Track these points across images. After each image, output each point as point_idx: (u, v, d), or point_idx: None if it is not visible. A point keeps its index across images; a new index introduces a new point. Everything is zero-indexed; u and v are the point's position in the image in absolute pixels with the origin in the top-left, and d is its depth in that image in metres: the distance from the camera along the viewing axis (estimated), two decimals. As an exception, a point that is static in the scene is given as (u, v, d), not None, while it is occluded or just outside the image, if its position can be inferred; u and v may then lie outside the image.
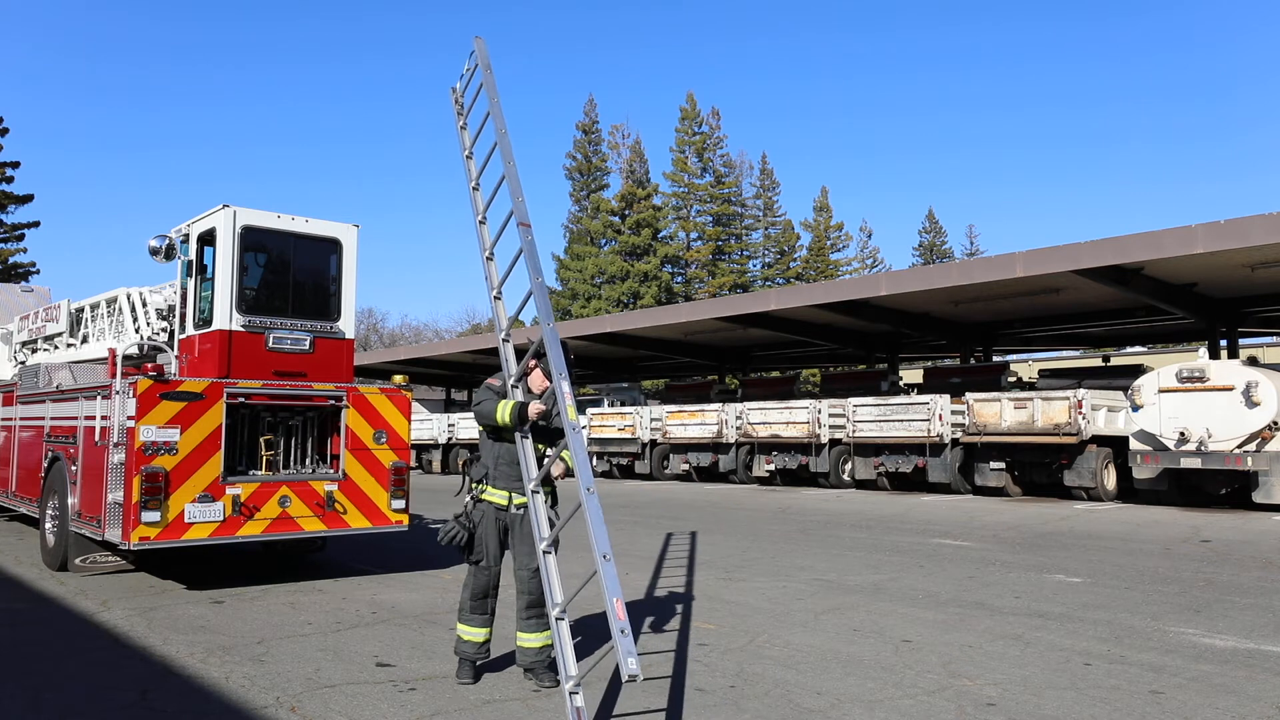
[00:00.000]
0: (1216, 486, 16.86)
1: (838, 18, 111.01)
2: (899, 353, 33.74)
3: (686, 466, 25.61)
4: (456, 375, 46.56)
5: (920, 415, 20.19)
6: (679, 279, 66.66)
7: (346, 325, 9.82)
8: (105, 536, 8.49)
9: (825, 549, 11.84)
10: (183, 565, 9.78)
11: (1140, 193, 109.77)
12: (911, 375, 32.02)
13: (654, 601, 8.31)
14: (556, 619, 4.87)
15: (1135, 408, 17.04)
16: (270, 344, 9.21)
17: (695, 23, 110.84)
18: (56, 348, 13.43)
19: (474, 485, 5.71)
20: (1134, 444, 17.14)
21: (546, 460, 5.48)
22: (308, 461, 9.41)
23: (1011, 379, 22.91)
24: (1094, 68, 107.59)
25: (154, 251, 9.52)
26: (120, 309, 11.32)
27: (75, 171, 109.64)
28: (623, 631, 4.13)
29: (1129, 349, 40.77)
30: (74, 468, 9.47)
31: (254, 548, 10.62)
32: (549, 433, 5.64)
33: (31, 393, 11.45)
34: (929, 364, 39.05)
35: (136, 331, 10.73)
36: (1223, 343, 24.84)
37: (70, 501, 9.37)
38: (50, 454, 10.32)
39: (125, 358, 9.25)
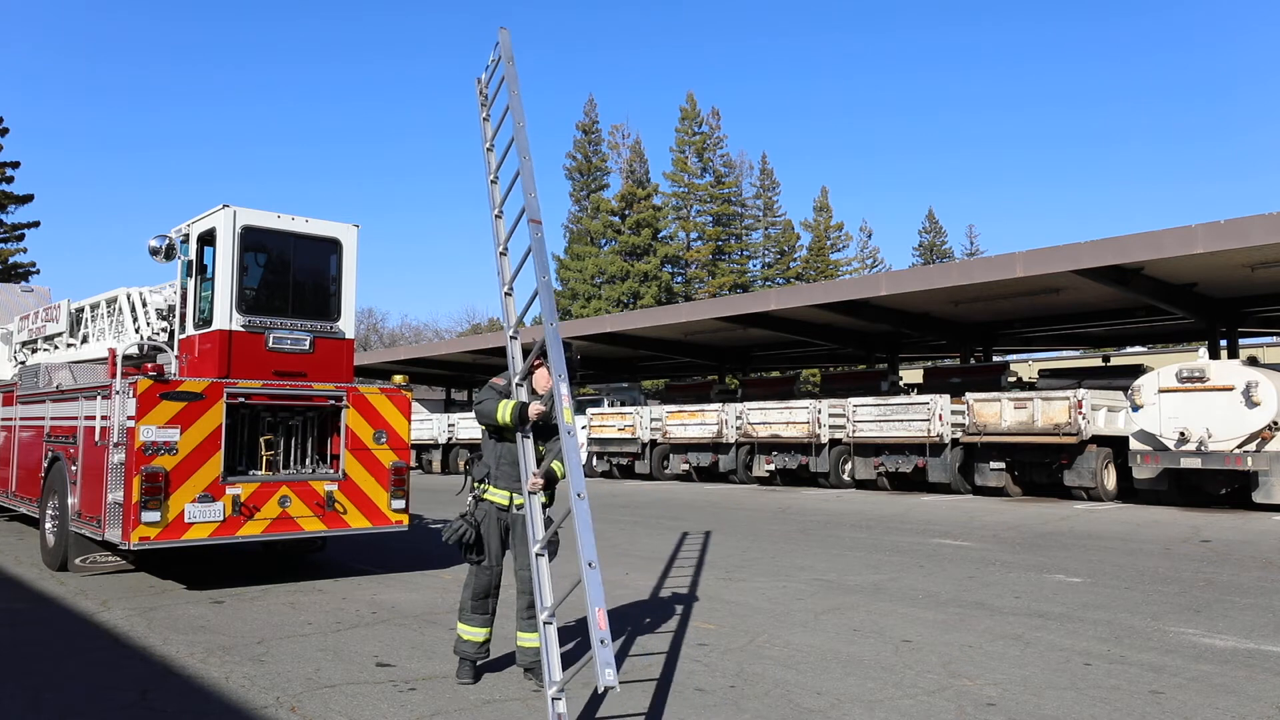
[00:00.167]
0: (1216, 486, 16.86)
1: (838, 18, 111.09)
2: (899, 353, 33.74)
3: (686, 466, 25.61)
4: (456, 375, 46.56)
5: (920, 415, 20.19)
6: (679, 279, 66.67)
7: (346, 325, 9.82)
8: (105, 536, 8.49)
9: (825, 549, 11.84)
10: (183, 565, 9.78)
11: (1140, 193, 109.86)
12: (911, 375, 32.02)
13: (653, 602, 8.32)
14: (544, 623, 4.87)
15: (1135, 408, 17.03)
16: (270, 344, 9.21)
17: (695, 23, 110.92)
18: (56, 348, 13.43)
19: (476, 485, 5.71)
20: (1134, 444, 17.13)
21: (546, 460, 5.47)
22: (308, 461, 9.41)
23: (1011, 379, 22.90)
24: (1094, 68, 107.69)
25: (154, 251, 9.52)
26: (120, 309, 11.32)
27: (75, 171, 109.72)
28: (602, 642, 4.14)
29: (1129, 349, 40.77)
30: (74, 468, 9.47)
31: (254, 548, 10.62)
32: (551, 432, 5.63)
33: (31, 393, 11.45)
34: (929, 364, 39.04)
35: (136, 331, 10.73)
36: (1223, 343, 24.83)
37: (70, 501, 9.37)
38: (50, 454, 10.32)
39: (125, 358, 9.26)
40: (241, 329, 9.05)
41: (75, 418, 9.68)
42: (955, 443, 19.87)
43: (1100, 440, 17.92)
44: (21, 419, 11.81)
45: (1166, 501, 17.10)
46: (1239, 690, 5.44)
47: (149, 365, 8.50)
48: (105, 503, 8.41)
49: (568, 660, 5.97)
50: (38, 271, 48.58)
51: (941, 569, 10.11)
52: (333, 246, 9.77)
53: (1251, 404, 15.72)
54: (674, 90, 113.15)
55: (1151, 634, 6.92)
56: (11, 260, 47.38)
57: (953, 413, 19.83)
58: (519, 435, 5.51)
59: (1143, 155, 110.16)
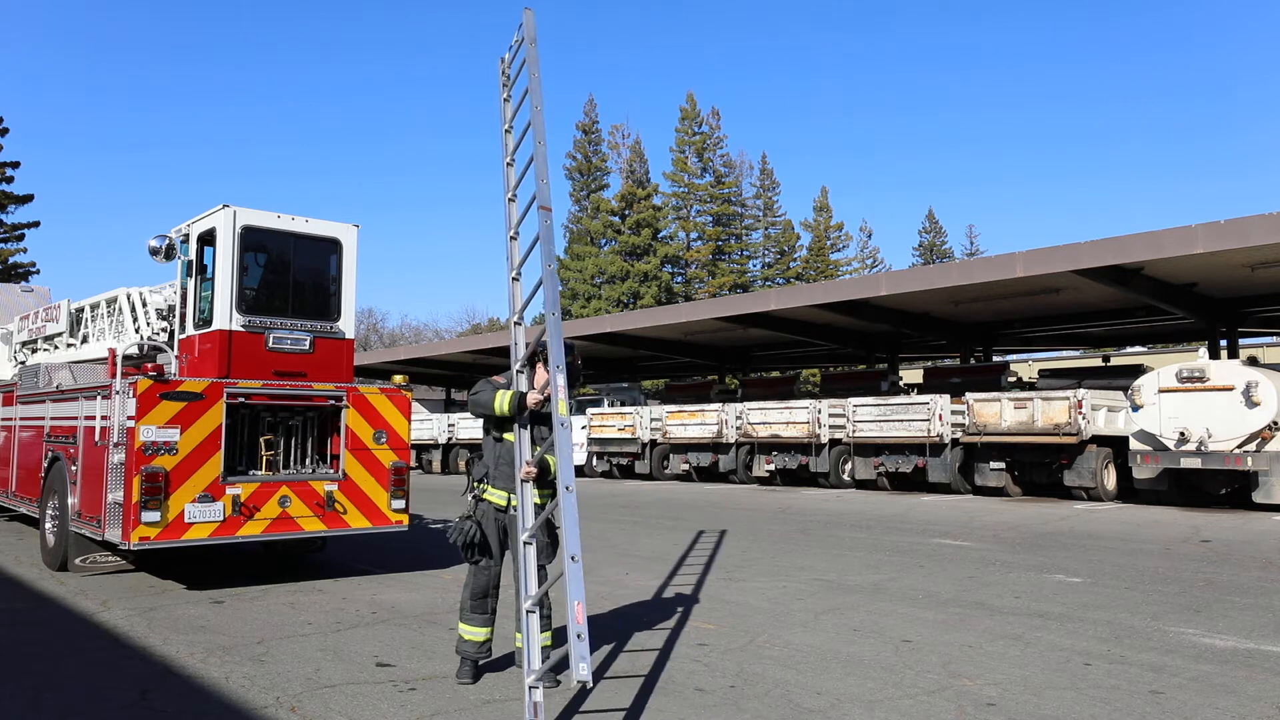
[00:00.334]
0: (1216, 486, 16.86)
1: (838, 18, 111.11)
2: (899, 353, 33.74)
3: (686, 466, 25.61)
4: (456, 375, 46.55)
5: (920, 415, 20.19)
6: (679, 279, 66.67)
7: (346, 325, 9.82)
8: (105, 536, 8.49)
9: (825, 549, 11.84)
10: (183, 565, 9.78)
11: (1140, 193, 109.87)
12: (911, 375, 32.01)
13: (653, 601, 8.31)
14: (527, 611, 4.87)
15: (1135, 408, 17.03)
16: (270, 344, 9.21)
17: (695, 23, 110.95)
18: (56, 348, 13.43)
19: (475, 485, 5.71)
20: (1134, 444, 17.13)
21: (540, 448, 5.42)
22: (308, 461, 9.41)
23: (1011, 379, 22.90)
24: (1094, 68, 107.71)
25: (154, 251, 9.52)
26: (120, 309, 11.32)
27: (75, 171, 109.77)
28: (579, 636, 4.15)
29: (1129, 349, 40.77)
30: (74, 468, 9.47)
31: (254, 548, 10.62)
32: (549, 420, 5.58)
33: (31, 393, 11.45)
34: (929, 364, 39.04)
35: (136, 331, 10.73)
36: (1223, 343, 24.83)
37: (70, 501, 9.37)
38: (50, 454, 10.32)
39: (125, 358, 9.25)
40: (241, 329, 9.05)
41: (75, 418, 9.68)
42: (955, 443, 19.87)
43: (1100, 440, 17.92)
44: (21, 419, 11.81)
45: (1166, 501, 17.09)
46: (1239, 690, 5.44)
47: (149, 365, 8.50)
48: (105, 503, 8.41)
49: (563, 661, 5.98)
50: (38, 271, 48.65)
51: (941, 569, 10.11)
52: (333, 246, 9.77)
53: (1251, 404, 15.72)
54: (674, 90, 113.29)
55: (1151, 634, 6.92)
56: (11, 260, 47.39)
57: (953, 413, 19.83)
58: (516, 426, 5.48)
59: (1143, 155, 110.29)
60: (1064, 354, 44.69)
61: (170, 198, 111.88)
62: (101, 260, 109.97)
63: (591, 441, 27.71)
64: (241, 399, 8.66)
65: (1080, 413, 17.54)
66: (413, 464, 25.58)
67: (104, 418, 8.77)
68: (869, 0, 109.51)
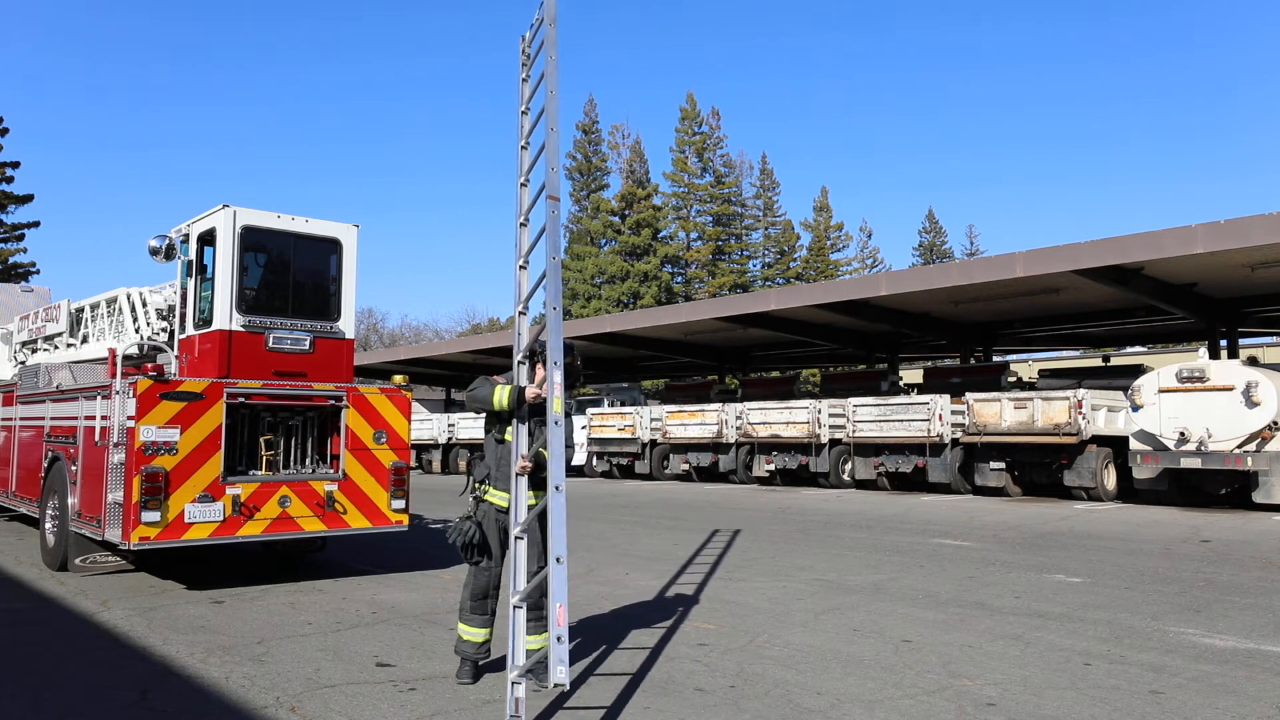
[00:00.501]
0: (1216, 486, 16.86)
1: (838, 18, 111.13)
2: (899, 353, 33.74)
3: (686, 466, 25.61)
4: (456, 375, 46.53)
5: (920, 415, 20.19)
6: (679, 279, 66.68)
7: (346, 325, 9.82)
8: (105, 536, 8.49)
9: (825, 549, 11.84)
10: (183, 565, 9.78)
11: (1140, 193, 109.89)
12: (911, 375, 32.01)
13: (652, 601, 8.31)
14: (514, 607, 4.86)
15: (1135, 408, 17.03)
16: (270, 344, 9.21)
17: (695, 23, 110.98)
18: (56, 348, 13.43)
19: (476, 485, 5.70)
20: (1134, 444, 17.13)
21: (537, 443, 5.41)
22: (308, 461, 9.41)
23: (1011, 379, 22.90)
24: (1094, 68, 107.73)
25: (154, 251, 9.52)
26: (120, 309, 11.32)
27: (75, 171, 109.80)
28: (559, 639, 4.15)
29: (1129, 349, 40.77)
30: (74, 468, 9.47)
31: (254, 548, 10.62)
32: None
33: (31, 393, 11.45)
34: (929, 364, 39.04)
35: (136, 331, 10.73)
36: (1223, 343, 24.83)
37: (70, 501, 9.37)
38: (50, 454, 10.32)
39: (125, 358, 9.25)
40: (241, 329, 9.05)
41: (75, 418, 9.68)
42: (955, 443, 19.87)
43: (1100, 440, 17.92)
44: (21, 419, 11.81)
45: (1166, 501, 17.09)
46: (1239, 690, 5.44)
47: (149, 365, 8.50)
48: (105, 503, 8.41)
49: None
50: (38, 271, 48.64)
51: (941, 569, 10.11)
52: (333, 246, 9.77)
53: (1251, 404, 15.72)
54: (674, 90, 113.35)
55: (1151, 634, 6.92)
56: (11, 260, 47.38)
57: (953, 413, 19.83)
58: (515, 421, 5.46)
59: (1143, 155, 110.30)
60: (1064, 354, 44.69)
61: (170, 198, 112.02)
62: (101, 260, 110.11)
63: (591, 441, 27.70)
64: (241, 399, 8.66)
65: (1080, 413, 17.54)
66: (413, 464, 25.57)
67: (104, 418, 8.77)
68: (869, 0, 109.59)
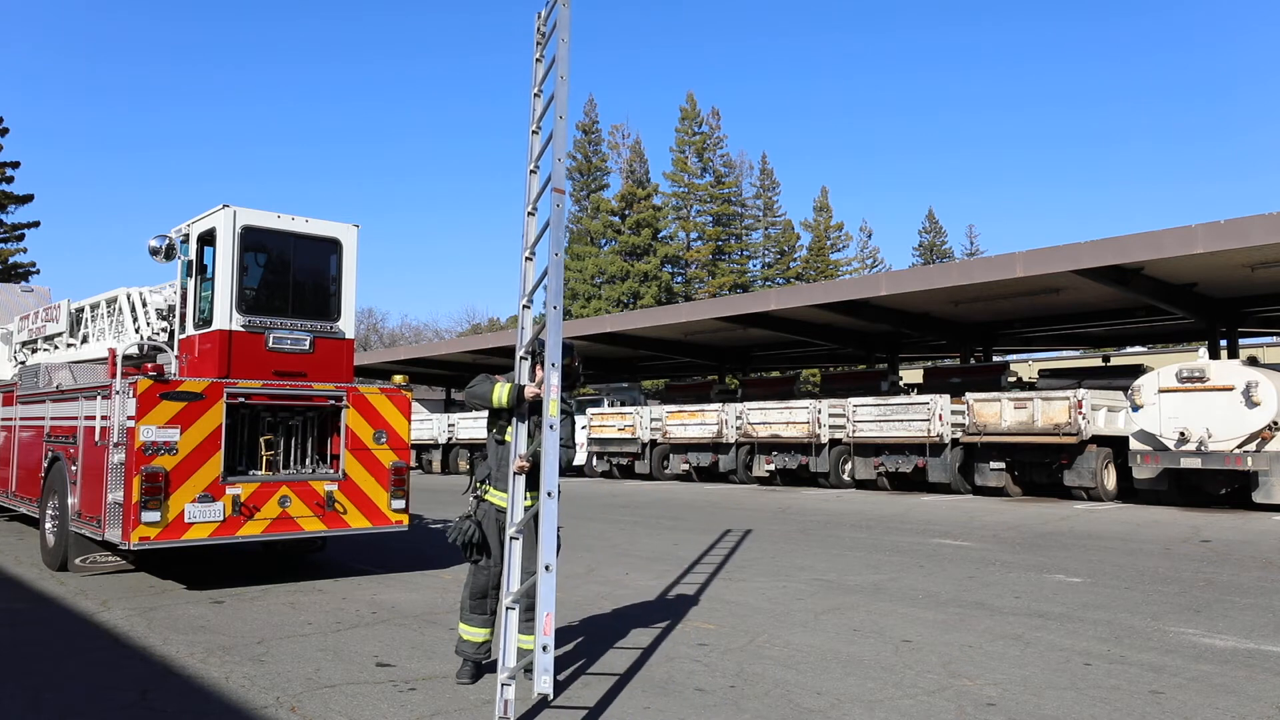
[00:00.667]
0: (1216, 486, 16.85)
1: (838, 18, 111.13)
2: (899, 353, 33.74)
3: (686, 466, 25.60)
4: (456, 375, 46.51)
5: (920, 415, 20.19)
6: (679, 279, 66.67)
7: (346, 325, 9.82)
8: (105, 536, 8.49)
9: (825, 549, 11.84)
10: (183, 565, 9.78)
11: (1140, 193, 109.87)
12: (911, 375, 32.01)
13: (653, 601, 8.31)
14: (507, 608, 4.85)
15: (1135, 408, 17.03)
16: (270, 344, 9.21)
17: (695, 23, 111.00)
18: (56, 348, 13.43)
19: (478, 485, 5.70)
20: (1134, 444, 17.13)
21: (534, 443, 5.39)
22: (308, 461, 9.41)
23: (1011, 379, 22.90)
24: (1094, 68, 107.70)
25: (154, 251, 9.52)
26: (120, 309, 11.32)
27: (75, 171, 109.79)
28: (544, 648, 4.15)
29: (1129, 349, 40.76)
30: (74, 468, 9.47)
31: (254, 548, 10.62)
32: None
33: (31, 393, 11.45)
34: (929, 364, 39.04)
35: (136, 331, 10.73)
36: (1223, 343, 24.83)
37: (70, 501, 9.37)
38: (50, 454, 10.32)
39: (125, 358, 9.25)
40: (241, 329, 9.05)
41: (75, 418, 9.68)
42: (955, 443, 19.87)
43: (1100, 440, 17.92)
44: (21, 419, 11.81)
45: (1166, 501, 17.09)
46: (1239, 690, 5.44)
47: (149, 365, 8.50)
48: (105, 503, 8.41)
49: (563, 660, 5.99)
50: (38, 271, 48.63)
51: (941, 569, 10.11)
52: (333, 246, 9.77)
53: (1251, 404, 15.72)
54: (674, 90, 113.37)
55: (1151, 634, 6.92)
56: (11, 260, 47.38)
57: (953, 413, 19.83)
58: (514, 419, 5.45)
59: (1143, 155, 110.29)
60: (1064, 354, 44.69)
61: (170, 198, 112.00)
62: (101, 260, 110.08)
63: (591, 441, 27.70)
64: (241, 399, 8.66)
65: (1080, 413, 17.53)
66: (413, 464, 25.58)
67: (104, 418, 8.77)
68: (869, 0, 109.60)
